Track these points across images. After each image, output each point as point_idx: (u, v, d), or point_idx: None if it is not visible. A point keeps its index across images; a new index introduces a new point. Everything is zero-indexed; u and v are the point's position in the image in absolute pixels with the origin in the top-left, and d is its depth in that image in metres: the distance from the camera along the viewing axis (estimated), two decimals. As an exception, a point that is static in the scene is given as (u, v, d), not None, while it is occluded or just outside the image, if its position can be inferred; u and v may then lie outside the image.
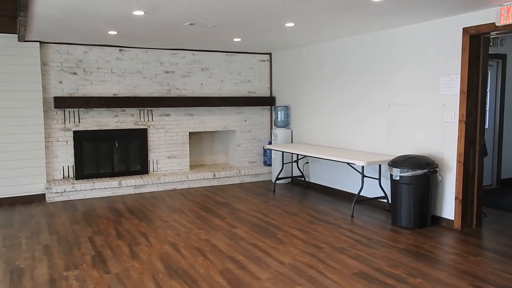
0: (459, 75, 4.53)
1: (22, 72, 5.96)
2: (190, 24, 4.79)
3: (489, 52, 4.75)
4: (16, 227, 4.86)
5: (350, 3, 3.91)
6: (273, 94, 7.80)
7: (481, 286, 3.25)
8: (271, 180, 7.40)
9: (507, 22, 3.99)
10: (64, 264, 3.72)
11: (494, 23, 4.14)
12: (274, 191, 6.66)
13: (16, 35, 5.85)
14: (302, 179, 7.03)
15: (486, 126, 6.50)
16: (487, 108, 6.60)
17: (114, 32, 5.34)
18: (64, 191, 6.09)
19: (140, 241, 4.32)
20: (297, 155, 6.85)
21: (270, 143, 7.67)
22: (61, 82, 6.29)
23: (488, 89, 6.59)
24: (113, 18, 4.49)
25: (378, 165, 5.38)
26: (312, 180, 6.88)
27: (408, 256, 3.85)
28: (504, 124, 6.69)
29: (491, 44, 5.84)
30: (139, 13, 4.17)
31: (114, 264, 3.71)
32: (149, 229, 4.72)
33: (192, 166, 7.55)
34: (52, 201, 6.04)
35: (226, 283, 3.31)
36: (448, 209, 4.74)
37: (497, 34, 4.35)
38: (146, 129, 6.90)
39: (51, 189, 6.02)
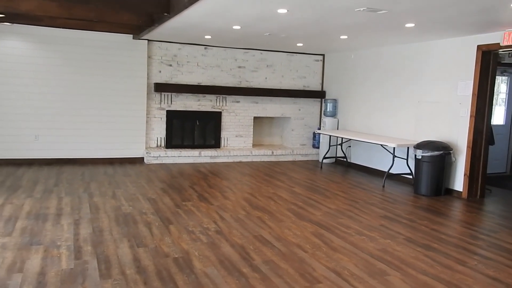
0: (472, 81, 5.92)
1: (133, 63, 7.79)
2: (268, 34, 6.41)
3: (507, 62, 6.11)
4: (134, 176, 6.69)
5: (390, 27, 5.40)
6: (324, 89, 9.33)
7: (469, 227, 4.72)
8: (318, 160, 8.97)
9: (508, 43, 5.37)
10: (180, 198, 5.48)
11: (499, 43, 5.52)
12: (321, 167, 8.24)
13: (131, 35, 7.69)
14: (345, 159, 8.56)
15: (502, 123, 7.81)
16: (505, 108, 7.88)
17: (209, 36, 7.04)
18: (159, 156, 7.92)
19: (226, 190, 6.04)
20: (342, 138, 8.39)
21: (319, 129, 9.23)
22: (160, 71, 8.10)
23: (506, 92, 7.88)
24: (216, 29, 6.17)
25: (406, 148, 6.85)
26: (352, 161, 8.40)
27: (421, 210, 5.35)
28: (519, 122, 7.95)
29: (509, 55, 7.14)
30: (236, 27, 5.83)
31: (214, 201, 5.43)
32: (230, 184, 6.43)
33: (254, 145, 9.22)
34: (150, 163, 7.88)
35: (292, 215, 4.95)
36: (458, 183, 6.17)
37: (503, 51, 5.71)
38: (220, 112, 8.62)
39: (149, 153, 7.86)
